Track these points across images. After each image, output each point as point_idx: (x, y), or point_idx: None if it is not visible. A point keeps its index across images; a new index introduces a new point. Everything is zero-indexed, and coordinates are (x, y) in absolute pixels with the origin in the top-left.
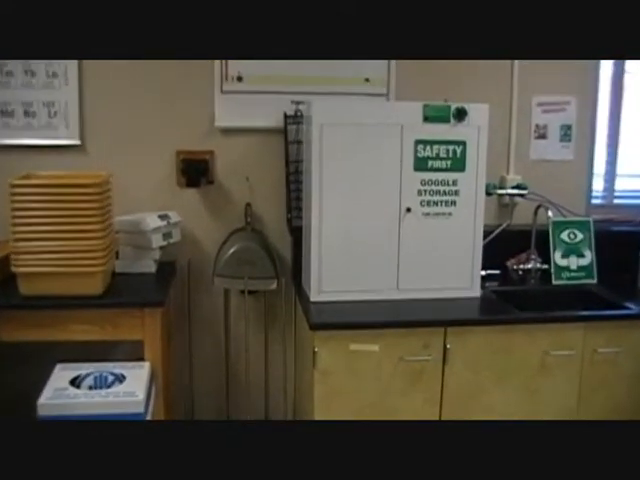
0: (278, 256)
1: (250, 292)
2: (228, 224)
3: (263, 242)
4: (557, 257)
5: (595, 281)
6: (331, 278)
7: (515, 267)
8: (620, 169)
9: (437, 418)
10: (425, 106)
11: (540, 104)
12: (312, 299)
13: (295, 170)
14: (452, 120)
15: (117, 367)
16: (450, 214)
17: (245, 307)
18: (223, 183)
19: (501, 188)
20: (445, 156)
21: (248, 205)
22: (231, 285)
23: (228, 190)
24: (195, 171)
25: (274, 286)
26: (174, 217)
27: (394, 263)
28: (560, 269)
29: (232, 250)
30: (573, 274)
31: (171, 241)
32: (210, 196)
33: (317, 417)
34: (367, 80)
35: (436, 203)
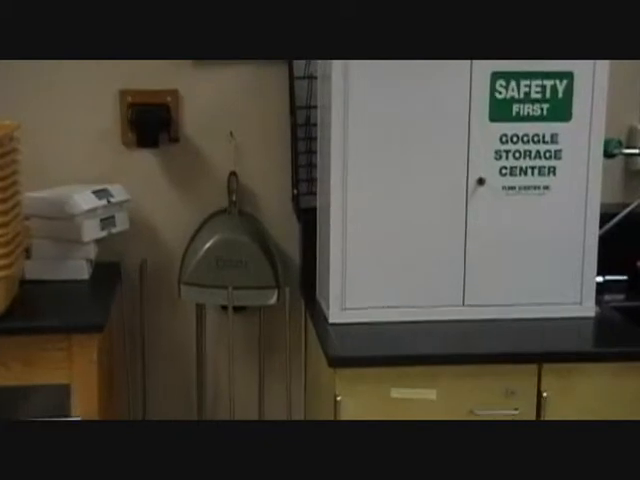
0: (279, 254)
1: (237, 309)
2: (202, 205)
3: (256, 232)
4: None
5: None
6: (360, 288)
7: None
8: None
9: None
10: None
11: None
12: (332, 320)
13: (305, 121)
14: None
15: None
16: (547, 188)
17: (229, 332)
18: (194, 141)
19: (630, 147)
20: (539, 97)
21: (233, 175)
22: (207, 299)
23: (201, 152)
24: (150, 123)
25: (273, 300)
26: (118, 194)
27: (458, 265)
28: None
29: (208, 245)
30: None
31: (114, 231)
32: (174, 162)
33: None
34: None
35: (524, 171)
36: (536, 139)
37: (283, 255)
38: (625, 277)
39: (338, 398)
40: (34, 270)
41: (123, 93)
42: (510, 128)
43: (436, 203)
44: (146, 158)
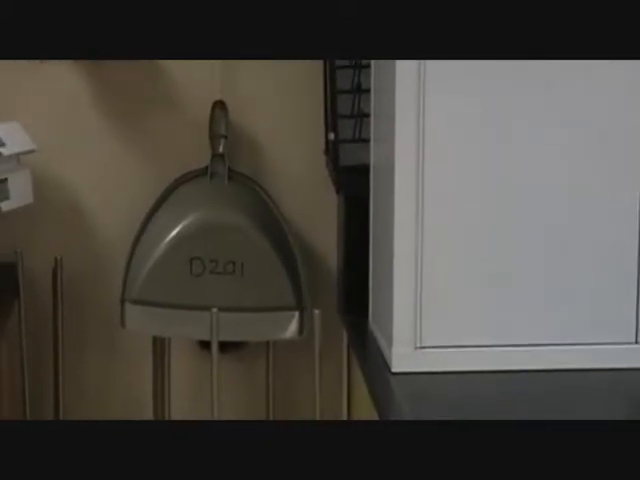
0: (302, 251)
1: (227, 347)
2: (163, 161)
3: (260, 211)
4: None
5: None
6: (447, 314)
7: None
8: None
9: None
10: None
11: None
12: (396, 367)
13: None
14: None
15: None
16: None
17: (212, 387)
18: None
19: None
20: None
21: (218, 106)
22: (174, 329)
23: (162, 65)
24: None
25: (292, 331)
26: (13, 139)
27: (630, 288)
28: None
29: (175, 233)
30: None
31: (5, 207)
32: (113, 78)
33: None
34: None
35: None
36: None
37: (309, 253)
38: None
39: None
40: None
41: None
42: None
43: (586, 177)
44: (64, 75)
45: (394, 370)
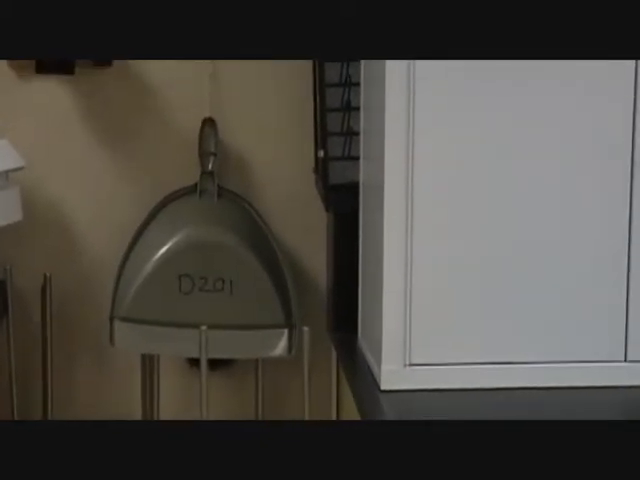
0: (291, 268)
1: (216, 364)
2: (153, 178)
3: (249, 229)
4: None
5: None
6: (436, 330)
7: None
8: None
9: None
10: None
11: None
12: (385, 385)
13: None
14: None
15: None
16: None
17: (201, 404)
18: (138, 66)
19: None
20: None
21: (207, 124)
22: (163, 347)
23: (152, 83)
24: None
25: (281, 349)
26: (4, 157)
27: (615, 298)
28: None
29: (164, 251)
30: None
31: None
32: (103, 98)
33: None
34: None
35: None
36: None
37: (299, 271)
38: None
39: None
40: None
41: None
42: None
43: (578, 193)
44: (52, 92)
45: (383, 388)
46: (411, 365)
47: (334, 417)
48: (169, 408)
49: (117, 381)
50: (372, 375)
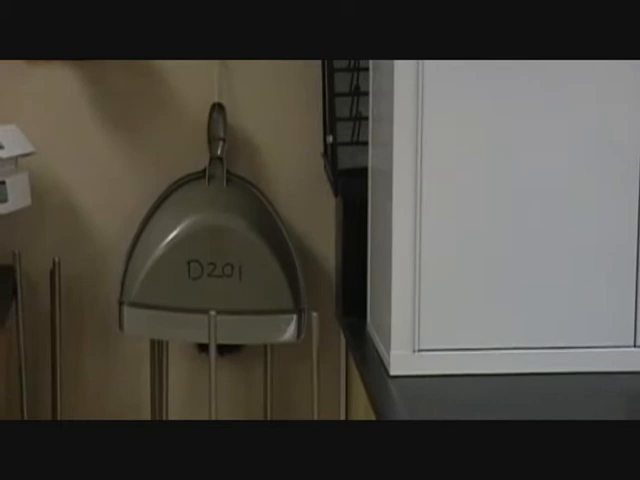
0: (300, 253)
1: (225, 349)
2: (162, 164)
3: (258, 214)
4: None
5: None
6: (446, 316)
7: None
8: None
9: None
10: None
11: None
12: (395, 370)
13: None
14: None
15: None
16: None
17: (210, 389)
18: None
19: None
20: None
21: (216, 109)
22: (172, 332)
23: (164, 70)
24: None
25: (290, 334)
26: (12, 142)
27: (628, 291)
28: None
29: (172, 237)
30: None
31: (3, 210)
32: (111, 83)
33: None
34: None
35: None
36: None
37: (307, 256)
38: None
39: None
40: None
41: None
42: None
43: (587, 177)
44: (61, 77)
45: (392, 373)
46: (420, 351)
47: (343, 403)
48: (178, 393)
49: (126, 366)
50: (381, 360)
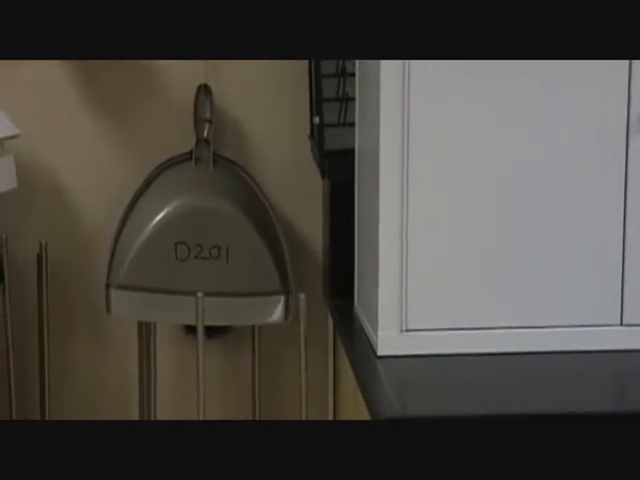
0: (287, 235)
1: (213, 331)
2: (148, 145)
3: (245, 196)
4: None
5: None
6: (432, 296)
7: None
8: None
9: None
10: None
11: None
12: (382, 350)
13: None
14: None
15: None
16: None
17: (197, 371)
18: None
19: None
20: None
21: (202, 91)
22: (159, 314)
23: None
24: None
25: (277, 315)
26: None
27: (611, 263)
28: None
29: (159, 218)
30: None
31: None
32: (97, 68)
33: None
34: None
35: None
36: None
37: (295, 238)
38: None
39: None
40: None
41: None
42: None
43: (570, 157)
44: (49, 62)
45: (380, 353)
46: (407, 331)
47: (331, 383)
48: (166, 375)
49: (114, 348)
50: (368, 341)
